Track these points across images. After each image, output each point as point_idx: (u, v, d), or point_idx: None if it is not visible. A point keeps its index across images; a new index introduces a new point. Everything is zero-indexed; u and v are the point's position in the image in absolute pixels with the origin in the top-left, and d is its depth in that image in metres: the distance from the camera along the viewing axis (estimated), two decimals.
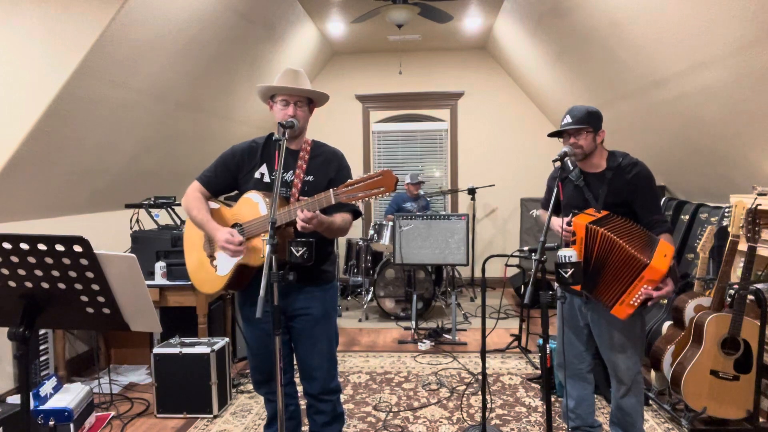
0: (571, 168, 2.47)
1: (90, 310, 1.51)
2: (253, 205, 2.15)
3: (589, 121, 2.36)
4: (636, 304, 2.23)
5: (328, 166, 2.27)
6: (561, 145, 2.46)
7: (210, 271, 2.27)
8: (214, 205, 2.31)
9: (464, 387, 3.63)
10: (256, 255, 2.11)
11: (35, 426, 2.76)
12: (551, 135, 2.48)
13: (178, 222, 4.05)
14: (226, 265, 2.21)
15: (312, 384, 2.29)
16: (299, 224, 1.97)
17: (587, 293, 2.38)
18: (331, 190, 1.97)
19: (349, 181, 1.95)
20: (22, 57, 2.89)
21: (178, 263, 3.54)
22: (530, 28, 4.88)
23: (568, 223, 2.37)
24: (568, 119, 2.39)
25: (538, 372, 3.87)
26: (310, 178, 2.23)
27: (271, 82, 2.24)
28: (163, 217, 4.12)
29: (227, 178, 2.30)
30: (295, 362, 2.40)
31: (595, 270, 2.31)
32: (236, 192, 2.33)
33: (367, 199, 1.91)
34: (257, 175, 2.25)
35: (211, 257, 2.28)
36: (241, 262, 2.14)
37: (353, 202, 1.96)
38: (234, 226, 2.20)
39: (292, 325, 2.27)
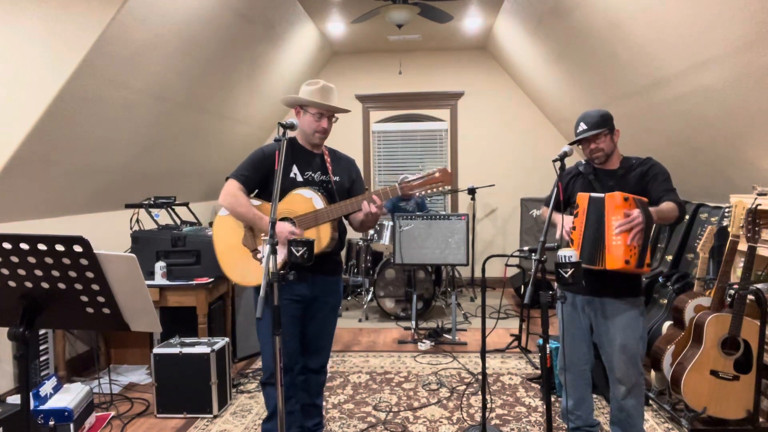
0: (583, 162, 2.59)
1: (90, 310, 1.51)
2: (306, 200, 2.41)
3: (605, 124, 2.45)
4: (619, 242, 2.23)
5: (349, 170, 2.62)
6: (561, 145, 2.48)
7: (254, 264, 2.41)
8: (255, 202, 2.44)
9: (464, 387, 3.63)
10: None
11: (35, 426, 2.76)
12: (572, 144, 2.51)
13: (178, 222, 4.05)
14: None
15: (316, 359, 2.62)
16: (374, 209, 2.32)
17: (590, 267, 2.34)
18: (396, 183, 2.37)
19: (413, 177, 2.36)
20: (22, 57, 2.89)
21: (178, 263, 3.55)
22: (530, 28, 4.88)
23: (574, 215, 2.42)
24: (584, 126, 2.46)
25: (538, 372, 3.87)
26: (337, 178, 2.54)
27: (290, 89, 2.42)
28: (163, 217, 4.12)
29: (260, 178, 2.46)
30: None
31: (598, 239, 2.32)
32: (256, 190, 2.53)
33: (428, 191, 2.33)
34: (291, 174, 2.47)
35: (255, 251, 2.42)
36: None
37: (411, 194, 2.36)
38: (283, 219, 2.39)
39: (311, 307, 2.52)
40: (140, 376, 3.88)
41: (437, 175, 2.30)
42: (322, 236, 2.37)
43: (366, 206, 2.32)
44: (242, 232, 2.45)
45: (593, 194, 2.37)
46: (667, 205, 2.32)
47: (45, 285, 1.46)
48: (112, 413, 3.26)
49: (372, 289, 5.34)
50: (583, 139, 2.47)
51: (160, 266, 3.50)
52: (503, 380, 3.75)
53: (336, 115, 2.50)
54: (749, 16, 2.54)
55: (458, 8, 5.03)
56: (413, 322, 4.88)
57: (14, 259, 1.41)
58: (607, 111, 2.49)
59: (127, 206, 3.99)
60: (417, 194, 2.34)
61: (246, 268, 2.43)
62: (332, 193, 2.49)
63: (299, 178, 2.46)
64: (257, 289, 2.38)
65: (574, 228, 2.41)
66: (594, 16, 3.74)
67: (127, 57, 3.26)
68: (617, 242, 2.23)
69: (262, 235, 2.41)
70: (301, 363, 2.57)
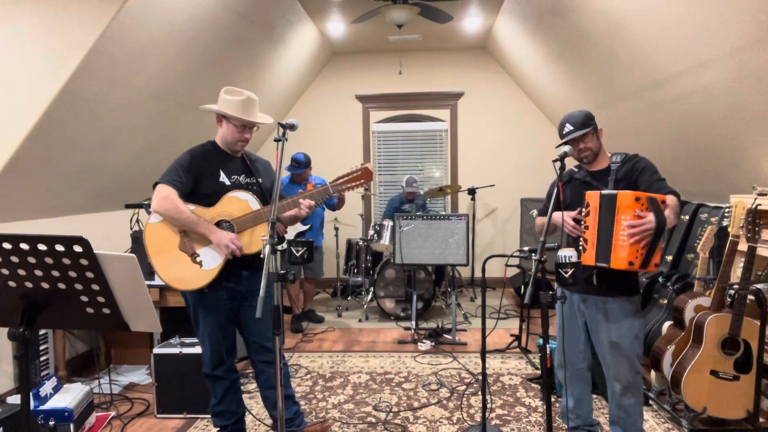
0: (576, 170, 2.60)
1: (90, 310, 1.51)
2: (242, 201, 2.49)
3: (590, 123, 2.47)
4: (625, 243, 2.20)
5: (267, 171, 2.73)
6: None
7: (193, 268, 2.45)
8: (189, 206, 2.46)
9: (464, 387, 3.63)
10: (248, 246, 2.47)
11: (35, 426, 2.76)
12: (559, 147, 2.51)
13: None
14: (214, 259, 2.45)
15: (264, 353, 2.64)
16: (304, 211, 2.48)
17: (604, 265, 2.32)
18: (328, 183, 2.54)
19: (339, 175, 2.55)
20: (22, 57, 2.89)
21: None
22: (530, 28, 4.88)
23: (579, 213, 2.41)
24: (570, 127, 2.47)
25: (538, 372, 3.87)
26: (260, 179, 2.63)
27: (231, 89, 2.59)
28: None
29: (191, 183, 2.49)
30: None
31: (608, 237, 2.30)
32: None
33: (352, 188, 2.56)
34: (221, 179, 2.53)
35: (194, 255, 2.45)
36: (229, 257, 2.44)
37: (342, 192, 2.59)
38: (219, 223, 2.47)
39: (245, 304, 2.58)
40: (140, 376, 3.88)
41: (359, 173, 2.55)
42: (256, 237, 2.48)
43: (304, 205, 2.49)
44: (177, 237, 2.46)
45: (605, 191, 2.34)
46: (672, 200, 2.30)
47: (45, 285, 1.46)
48: (112, 413, 3.26)
49: (372, 289, 5.34)
50: (571, 140, 2.48)
51: None
52: (503, 380, 3.75)
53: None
54: (749, 16, 2.54)
55: (458, 8, 5.03)
56: (413, 322, 4.88)
57: (14, 259, 1.41)
58: (589, 111, 2.53)
59: (127, 206, 3.99)
60: (344, 190, 2.58)
61: (186, 272, 2.45)
62: (262, 194, 2.59)
63: (227, 182, 2.54)
64: (199, 291, 2.48)
65: (587, 227, 2.38)
66: (594, 16, 3.74)
67: (127, 57, 3.26)
68: (623, 242, 2.22)
69: (186, 239, 2.47)
70: (257, 359, 2.65)
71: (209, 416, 3.20)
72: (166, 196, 2.39)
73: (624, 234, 2.21)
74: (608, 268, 2.29)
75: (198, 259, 2.45)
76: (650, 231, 2.18)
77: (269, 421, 3.17)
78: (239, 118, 2.49)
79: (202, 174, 2.50)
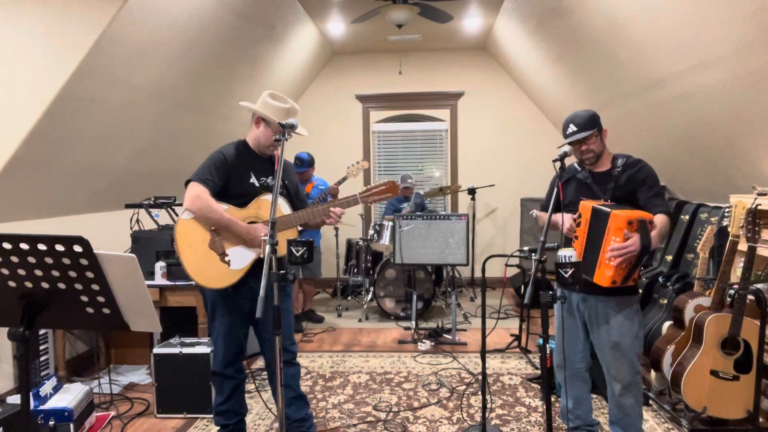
0: (579, 169, 2.58)
1: (90, 310, 1.51)
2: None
3: (594, 124, 2.45)
4: (611, 262, 2.23)
5: (291, 174, 2.74)
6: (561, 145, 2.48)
7: (221, 267, 2.46)
8: (222, 206, 2.46)
9: (464, 387, 3.63)
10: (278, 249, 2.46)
11: (35, 426, 2.76)
12: (561, 146, 2.50)
13: None
14: (242, 259, 2.46)
15: (286, 353, 2.66)
16: (333, 219, 2.54)
17: (587, 278, 2.35)
18: (357, 193, 2.59)
19: (368, 187, 2.59)
20: (22, 57, 2.88)
21: (178, 263, 3.54)
22: (530, 28, 4.88)
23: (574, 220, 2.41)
24: (574, 128, 2.45)
25: (538, 372, 3.87)
26: (286, 182, 2.66)
27: (266, 89, 2.52)
28: (163, 217, 4.12)
29: (222, 182, 2.49)
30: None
31: (594, 252, 2.32)
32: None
33: (378, 201, 2.63)
34: (251, 180, 2.53)
35: (223, 254, 2.46)
36: (262, 256, 2.42)
37: (369, 203, 2.64)
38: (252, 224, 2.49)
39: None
40: (140, 376, 3.88)
41: (386, 187, 2.63)
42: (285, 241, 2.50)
43: (334, 215, 2.53)
44: (207, 235, 2.47)
45: (597, 206, 2.34)
46: (661, 221, 2.32)
47: (45, 285, 1.46)
48: (112, 413, 3.26)
49: (372, 289, 5.34)
50: (573, 141, 2.47)
51: (160, 266, 3.50)
52: (503, 380, 3.75)
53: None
54: (749, 16, 2.54)
55: (458, 8, 5.03)
56: (413, 322, 4.88)
57: (14, 259, 1.41)
58: (595, 111, 2.49)
59: (127, 206, 3.99)
60: (371, 203, 2.65)
61: (213, 271, 2.46)
62: (289, 196, 2.62)
63: (257, 184, 2.55)
64: (223, 290, 2.49)
65: (576, 237, 2.40)
66: (594, 15, 3.74)
67: (127, 57, 3.26)
68: (610, 262, 2.25)
69: (217, 237, 2.46)
70: (274, 359, 2.64)
71: (209, 416, 3.21)
72: (198, 194, 2.40)
73: (609, 255, 2.24)
74: (590, 281, 2.33)
75: (226, 259, 2.47)
76: (633, 254, 2.21)
77: (268, 422, 3.18)
78: (296, 128, 2.48)
79: (233, 174, 2.51)
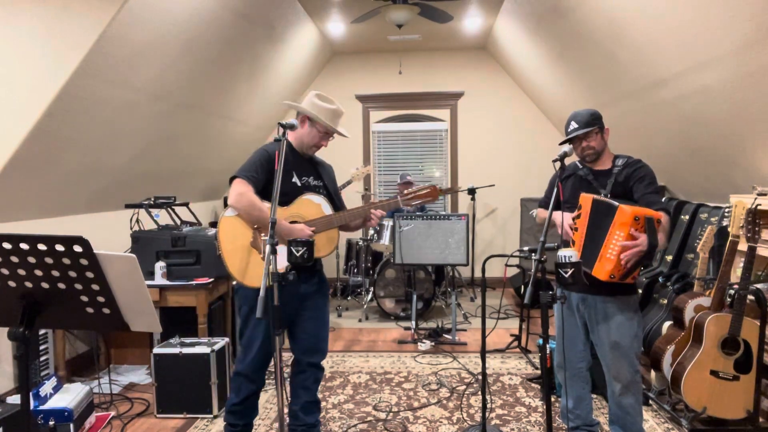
0: (580, 167, 2.60)
1: (90, 310, 1.51)
2: (316, 205, 2.52)
3: (595, 122, 2.46)
4: (612, 257, 2.23)
5: (331, 175, 2.75)
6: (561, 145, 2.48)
7: (263, 265, 2.41)
8: (266, 204, 2.44)
9: (464, 387, 3.63)
10: (318, 250, 2.48)
11: (35, 426, 2.76)
12: (562, 143, 2.51)
13: (178, 222, 4.05)
14: (284, 259, 2.42)
15: (318, 355, 2.65)
16: (375, 221, 2.57)
17: (585, 269, 2.35)
18: (398, 197, 2.60)
19: (411, 189, 2.60)
20: (22, 57, 2.88)
21: (178, 263, 3.54)
22: (530, 28, 4.88)
23: (574, 219, 2.41)
24: (575, 125, 2.47)
25: (538, 372, 3.87)
26: (326, 182, 2.66)
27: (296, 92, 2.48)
28: (163, 217, 4.12)
29: (264, 180, 2.45)
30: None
31: (595, 244, 2.33)
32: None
33: (419, 204, 2.63)
34: (293, 180, 2.52)
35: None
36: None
37: (411, 206, 2.67)
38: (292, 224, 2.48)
39: (305, 305, 2.58)
40: (140, 376, 3.88)
41: (428, 191, 2.61)
42: (325, 241, 2.51)
43: (375, 216, 2.55)
44: (250, 233, 2.44)
45: (597, 197, 2.36)
46: (665, 221, 2.32)
47: (45, 285, 1.46)
48: (112, 413, 3.26)
49: (372, 289, 5.34)
50: (574, 138, 2.48)
51: (160, 266, 3.50)
52: (503, 380, 3.75)
53: None
54: (749, 16, 2.54)
55: (458, 8, 5.03)
56: (413, 322, 4.88)
57: (14, 259, 1.41)
58: (597, 110, 2.51)
59: (127, 206, 3.99)
60: (412, 205, 2.65)
61: (255, 269, 2.44)
62: (329, 197, 2.59)
63: (298, 183, 2.53)
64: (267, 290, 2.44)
65: (576, 229, 2.42)
66: (594, 16, 3.74)
67: (127, 57, 3.26)
68: (611, 256, 2.25)
69: (261, 235, 2.44)
70: (306, 360, 2.64)
71: (209, 416, 3.21)
72: (243, 192, 2.38)
73: (614, 250, 2.23)
74: (588, 273, 2.32)
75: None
76: (641, 253, 2.20)
77: (269, 422, 3.18)
78: (327, 125, 2.50)
79: (274, 171, 2.47)
